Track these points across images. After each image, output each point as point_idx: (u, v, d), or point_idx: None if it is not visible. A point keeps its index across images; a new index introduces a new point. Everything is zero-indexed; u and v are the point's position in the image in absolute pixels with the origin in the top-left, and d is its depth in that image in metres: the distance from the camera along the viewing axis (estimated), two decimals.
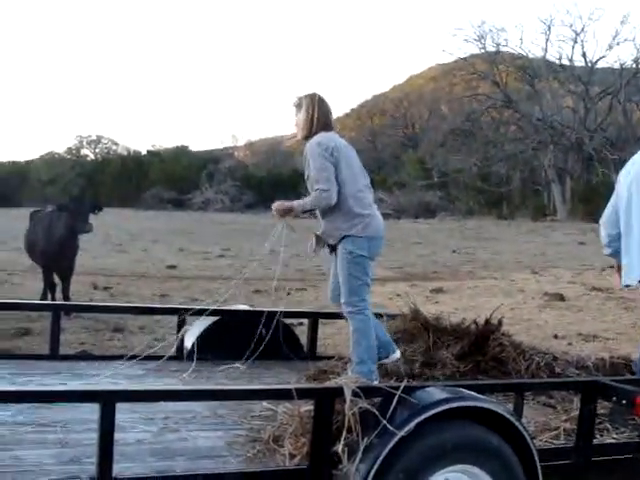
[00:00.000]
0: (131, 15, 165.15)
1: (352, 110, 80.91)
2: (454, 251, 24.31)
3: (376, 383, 5.00)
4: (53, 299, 11.05)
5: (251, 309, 6.30)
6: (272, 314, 5.96)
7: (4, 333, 9.22)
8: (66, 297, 10.82)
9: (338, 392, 3.31)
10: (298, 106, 5.28)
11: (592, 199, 47.04)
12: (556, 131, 50.56)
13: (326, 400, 3.30)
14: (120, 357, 5.69)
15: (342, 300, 5.13)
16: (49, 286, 11.22)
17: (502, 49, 53.15)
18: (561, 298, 12.84)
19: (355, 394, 3.30)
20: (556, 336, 9.72)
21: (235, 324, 5.61)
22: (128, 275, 15.53)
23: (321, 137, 5.15)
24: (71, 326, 9.16)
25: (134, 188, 58.37)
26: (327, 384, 3.53)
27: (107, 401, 2.96)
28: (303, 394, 3.37)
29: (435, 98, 68.39)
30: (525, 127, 52.74)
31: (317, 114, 5.19)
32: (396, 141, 70.62)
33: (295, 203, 5.17)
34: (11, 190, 64.32)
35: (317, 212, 5.23)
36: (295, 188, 53.69)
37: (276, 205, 5.18)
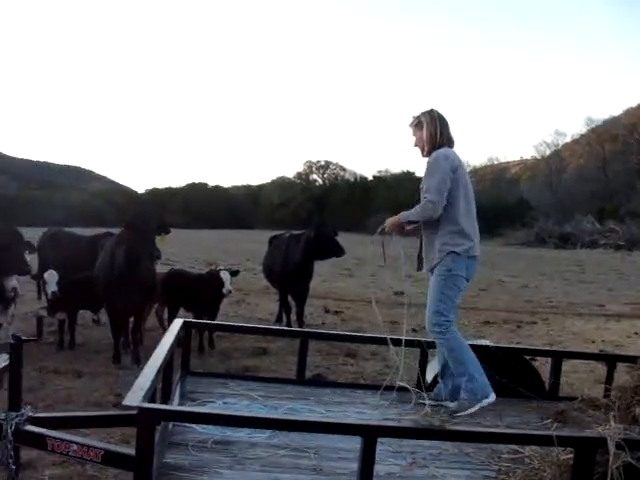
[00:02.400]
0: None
1: (581, 136, 77.77)
2: None
3: (493, 396, 5.00)
4: (288, 320, 11.47)
5: (495, 345, 6.20)
6: (515, 351, 5.85)
7: (244, 352, 9.70)
8: (300, 319, 11.19)
9: (600, 442, 3.16)
10: (418, 125, 5.33)
11: None
12: None
13: (588, 450, 3.17)
14: (358, 385, 5.84)
15: (428, 320, 5.20)
16: (285, 308, 11.67)
17: None
18: None
19: (619, 446, 3.14)
20: None
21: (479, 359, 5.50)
22: (357, 300, 15.79)
23: (448, 152, 5.20)
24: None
25: (360, 213, 59.38)
26: (589, 433, 3.37)
27: (370, 435, 3.01)
28: (563, 442, 3.25)
29: None
30: None
31: (440, 129, 5.26)
32: (629, 168, 66.91)
33: (400, 215, 5.26)
34: (243, 213, 67.84)
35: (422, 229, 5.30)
36: (522, 217, 52.66)
37: (388, 221, 5.31)
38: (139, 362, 8.37)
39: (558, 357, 5.81)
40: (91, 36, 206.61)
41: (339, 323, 11.53)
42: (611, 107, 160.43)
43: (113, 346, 8.88)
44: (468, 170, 5.45)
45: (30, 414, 3.54)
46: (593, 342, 11.36)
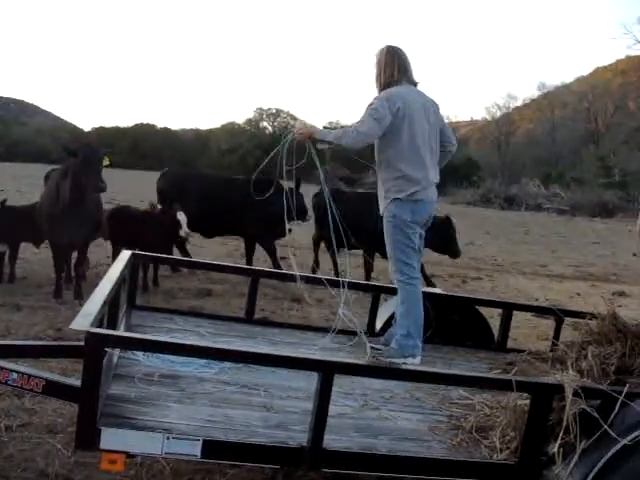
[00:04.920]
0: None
1: (532, 100, 78.50)
2: (634, 254, 23.04)
3: (419, 359, 4.84)
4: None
5: (445, 293, 6.17)
6: (466, 300, 5.81)
7: (189, 292, 9.57)
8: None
9: (557, 389, 3.14)
10: (375, 63, 5.11)
11: None
12: None
13: (545, 396, 3.14)
14: (307, 327, 5.75)
15: (390, 267, 5.02)
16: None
17: None
18: None
19: (575, 394, 3.12)
20: None
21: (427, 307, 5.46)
22: (304, 247, 15.70)
23: (395, 90, 4.95)
24: None
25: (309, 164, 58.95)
26: (546, 379, 3.34)
27: (327, 372, 2.93)
28: (521, 387, 3.22)
29: (622, 93, 65.13)
30: None
31: (385, 67, 5.03)
32: (577, 136, 67.84)
33: (318, 129, 4.95)
34: (192, 156, 66.97)
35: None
36: (468, 177, 53.02)
37: (299, 125, 4.97)
38: (81, 297, 8.21)
39: (509, 309, 5.77)
40: None
41: (286, 269, 11.36)
42: (564, 74, 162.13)
43: (55, 280, 8.69)
44: None
45: None
46: (537, 300, 11.49)
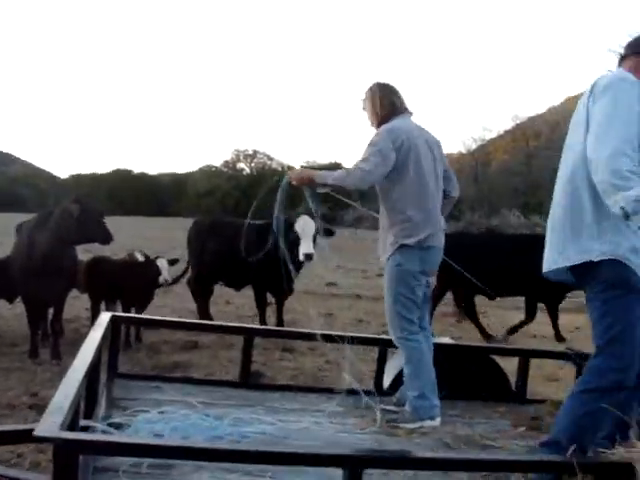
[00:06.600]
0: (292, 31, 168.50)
1: (506, 132, 78.88)
2: None
3: (438, 420, 4.38)
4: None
5: (455, 343, 5.71)
6: (479, 349, 5.36)
7: (174, 346, 9.03)
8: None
9: (624, 468, 2.66)
10: (364, 104, 4.78)
11: None
12: None
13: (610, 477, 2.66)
14: (309, 389, 5.25)
15: (389, 322, 4.59)
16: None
17: None
18: None
19: None
20: None
21: (438, 358, 4.97)
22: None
23: (396, 124, 4.57)
24: (238, 342, 8.85)
25: (287, 202, 58.90)
26: (612, 457, 2.84)
27: (356, 467, 2.44)
28: (584, 468, 2.72)
29: None
30: None
31: (380, 101, 4.67)
32: (552, 165, 67.76)
33: (317, 172, 4.53)
34: (170, 201, 66.75)
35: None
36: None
37: (296, 172, 4.58)
38: (59, 357, 7.76)
39: (525, 356, 5.33)
40: (9, 14, 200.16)
41: (270, 315, 10.84)
42: (536, 105, 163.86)
43: (30, 339, 8.14)
44: None
45: None
46: (534, 337, 11.06)
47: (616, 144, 3.14)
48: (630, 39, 3.73)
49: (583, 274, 3.46)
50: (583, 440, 3.09)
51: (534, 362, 8.50)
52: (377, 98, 4.70)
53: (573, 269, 3.47)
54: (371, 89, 4.77)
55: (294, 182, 4.49)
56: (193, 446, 2.70)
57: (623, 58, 3.67)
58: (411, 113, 4.78)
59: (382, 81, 4.81)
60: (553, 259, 3.56)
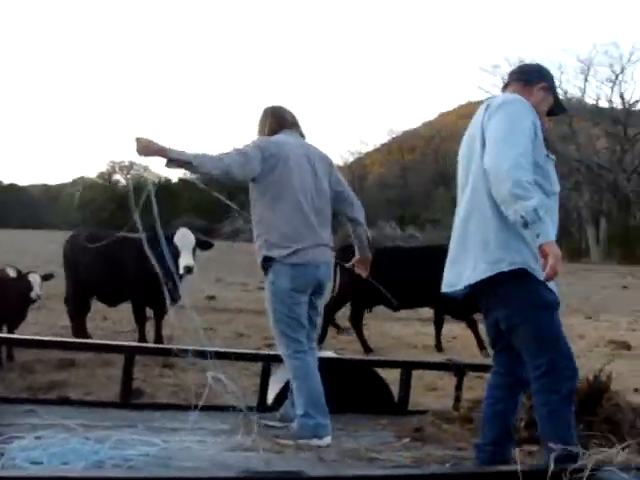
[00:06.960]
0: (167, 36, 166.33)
1: (382, 145, 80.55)
2: None
3: (327, 439, 4.33)
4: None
5: (339, 357, 5.74)
6: (362, 363, 5.40)
7: (49, 364, 8.68)
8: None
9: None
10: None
11: (628, 242, 46.34)
12: (592, 172, 49.99)
13: None
14: (190, 407, 5.13)
15: (275, 339, 4.56)
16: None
17: None
18: (627, 347, 12.07)
19: None
20: (637, 389, 8.95)
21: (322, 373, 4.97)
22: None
23: (274, 138, 4.57)
24: (117, 359, 8.60)
25: (165, 215, 58.20)
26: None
27: None
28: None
29: None
30: (561, 168, 52.18)
31: (263, 125, 4.69)
32: (427, 178, 69.96)
33: (169, 148, 4.12)
34: (42, 213, 64.61)
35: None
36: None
37: (144, 142, 4.06)
38: None
39: (408, 368, 5.42)
40: None
41: (149, 329, 10.58)
42: (411, 120, 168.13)
43: None
44: None
45: None
46: (415, 347, 11.26)
47: (515, 156, 3.28)
48: (513, 67, 3.99)
49: (492, 285, 3.49)
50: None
51: (415, 372, 8.75)
52: (263, 122, 4.70)
53: (480, 282, 3.50)
54: (260, 115, 4.76)
55: (139, 153, 4.08)
56: (74, 476, 2.57)
57: (506, 85, 3.91)
58: (301, 132, 4.75)
59: (270, 106, 4.78)
60: (466, 276, 3.55)
